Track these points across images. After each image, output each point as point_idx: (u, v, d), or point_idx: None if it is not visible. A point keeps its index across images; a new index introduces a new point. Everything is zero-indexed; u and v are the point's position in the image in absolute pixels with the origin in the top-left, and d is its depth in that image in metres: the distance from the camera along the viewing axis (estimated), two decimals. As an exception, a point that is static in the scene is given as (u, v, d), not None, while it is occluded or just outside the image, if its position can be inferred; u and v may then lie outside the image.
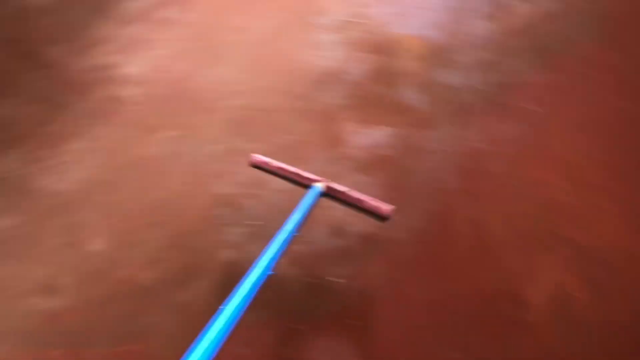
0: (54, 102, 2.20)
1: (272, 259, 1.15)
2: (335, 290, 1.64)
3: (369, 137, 1.99)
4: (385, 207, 1.74)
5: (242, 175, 1.89)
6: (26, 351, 1.55)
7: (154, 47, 2.40)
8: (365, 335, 1.63)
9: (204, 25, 2.50)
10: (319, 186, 1.67)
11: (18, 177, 1.94)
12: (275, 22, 2.47)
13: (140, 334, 1.63)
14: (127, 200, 1.84)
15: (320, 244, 1.78)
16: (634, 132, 1.95)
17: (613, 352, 1.47)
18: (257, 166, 1.85)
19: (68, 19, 2.65)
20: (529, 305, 1.56)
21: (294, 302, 1.60)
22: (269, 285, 1.47)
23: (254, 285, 1.00)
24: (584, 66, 2.20)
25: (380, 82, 2.16)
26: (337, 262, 1.77)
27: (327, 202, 1.76)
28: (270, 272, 1.08)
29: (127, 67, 2.31)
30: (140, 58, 2.35)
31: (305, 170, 1.84)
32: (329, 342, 1.62)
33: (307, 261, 1.77)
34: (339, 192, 1.74)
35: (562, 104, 2.07)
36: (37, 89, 2.27)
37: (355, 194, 1.74)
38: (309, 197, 1.57)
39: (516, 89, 2.10)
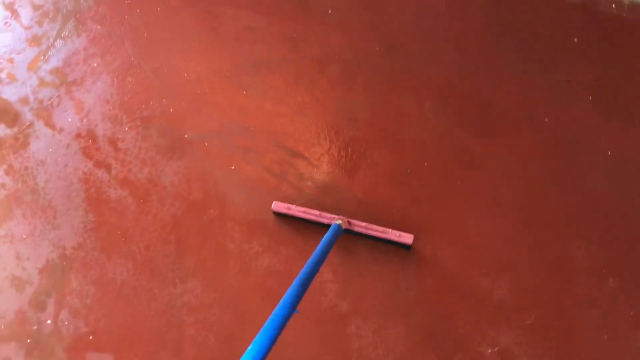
0: None
1: (298, 295, 1.08)
2: (54, 332, 1.80)
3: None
4: (406, 236, 1.71)
5: None
6: None
7: None
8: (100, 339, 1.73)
9: None
10: (339, 223, 1.62)
11: None
12: None
13: None
14: None
15: (15, 306, 1.83)
16: (190, 19, 2.15)
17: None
18: (280, 213, 1.79)
19: None
20: (208, 202, 1.98)
21: None
22: None
23: (282, 322, 0.95)
24: (114, 4, 2.29)
25: None
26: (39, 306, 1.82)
27: None
28: (295, 311, 1.02)
29: None
30: None
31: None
32: None
33: (13, 330, 1.85)
34: (360, 225, 1.71)
35: (116, 43, 2.28)
36: None
37: (376, 227, 1.70)
38: (330, 233, 1.51)
39: (74, 59, 2.14)
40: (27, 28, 2.24)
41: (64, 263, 1.78)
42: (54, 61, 2.14)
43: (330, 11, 2.06)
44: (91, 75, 2.10)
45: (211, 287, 1.73)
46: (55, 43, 2.17)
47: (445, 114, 1.90)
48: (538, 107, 1.88)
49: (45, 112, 2.05)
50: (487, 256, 1.66)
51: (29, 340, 1.70)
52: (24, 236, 1.84)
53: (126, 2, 2.18)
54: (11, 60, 2.18)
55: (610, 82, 1.83)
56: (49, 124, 2.03)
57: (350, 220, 1.63)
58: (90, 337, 1.68)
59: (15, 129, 2.04)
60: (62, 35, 2.18)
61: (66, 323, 1.71)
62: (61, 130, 2.01)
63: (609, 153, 1.71)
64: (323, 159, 1.83)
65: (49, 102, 2.06)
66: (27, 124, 2.04)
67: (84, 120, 2.01)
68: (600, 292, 1.56)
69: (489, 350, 1.53)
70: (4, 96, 2.09)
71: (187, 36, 2.10)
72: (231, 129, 1.93)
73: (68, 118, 2.03)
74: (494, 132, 1.87)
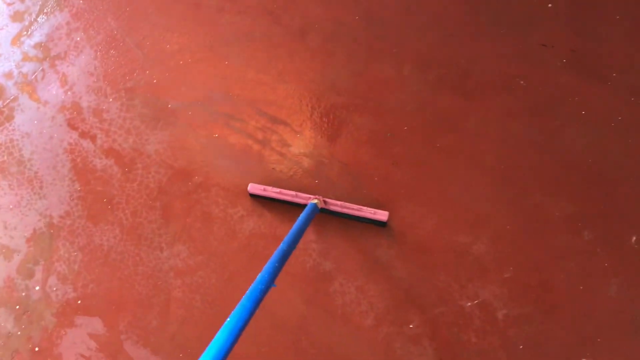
0: None
1: (275, 271, 1.11)
2: (43, 298, 1.85)
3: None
4: (381, 213, 1.71)
5: None
6: None
7: None
8: (86, 300, 1.83)
9: None
10: (315, 202, 1.64)
11: None
12: None
13: None
14: None
15: (4, 273, 1.93)
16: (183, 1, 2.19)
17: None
18: (256, 194, 1.79)
19: None
20: (192, 170, 2.04)
21: None
22: None
23: (259, 296, 0.98)
24: None
25: None
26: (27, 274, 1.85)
27: None
28: (272, 285, 1.06)
29: None
30: None
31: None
32: (71, 333, 1.73)
33: (1, 297, 1.90)
34: (335, 204, 1.71)
35: (99, 18, 2.29)
36: None
37: (351, 205, 1.71)
38: (306, 212, 1.53)
39: (57, 34, 2.16)
40: (9, 4, 2.26)
41: (52, 231, 1.80)
42: (37, 36, 2.16)
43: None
44: (74, 49, 2.12)
45: (197, 251, 1.79)
46: (38, 18, 2.20)
47: (424, 80, 1.97)
48: (514, 71, 1.94)
49: (29, 86, 2.07)
50: (466, 213, 1.72)
51: (17, 307, 1.72)
52: (11, 206, 1.87)
53: None
54: None
55: (583, 44, 1.90)
56: (33, 97, 2.04)
57: (326, 199, 1.64)
58: (79, 301, 1.70)
59: (0, 103, 2.03)
60: (45, 10, 2.20)
61: (55, 289, 1.74)
62: (46, 103, 2.03)
63: (583, 112, 1.75)
64: (305, 125, 1.86)
65: (33, 76, 2.08)
66: (12, 97, 2.06)
67: (69, 93, 2.03)
68: (576, 245, 1.60)
69: (469, 304, 1.58)
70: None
71: (170, 9, 2.14)
72: (214, 97, 1.97)
73: (52, 91, 2.05)
74: (472, 96, 1.93)
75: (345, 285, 1.65)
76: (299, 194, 1.75)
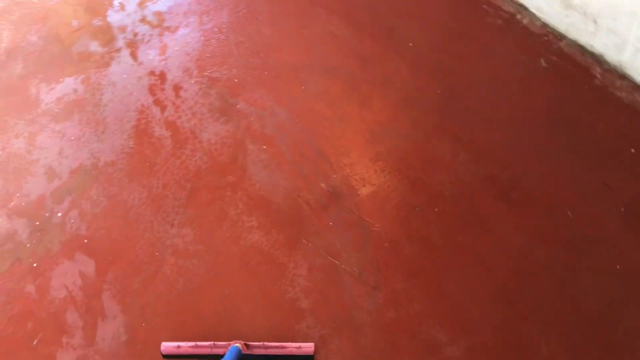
0: None
1: None
2: (60, 223, 2.02)
3: (58, 90, 2.23)
4: (307, 346, 1.65)
5: None
6: None
7: None
8: (95, 246, 1.95)
9: None
10: (238, 346, 1.51)
11: None
12: None
13: None
14: None
15: (40, 190, 2.10)
16: (280, 8, 2.41)
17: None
18: (170, 355, 1.61)
19: None
20: (230, 169, 2.13)
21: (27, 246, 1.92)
22: (1, 241, 1.61)
23: None
24: None
25: (56, 42, 2.51)
26: (58, 198, 2.08)
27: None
28: None
29: None
30: None
31: None
32: (64, 265, 1.92)
33: (30, 208, 2.06)
34: (257, 346, 1.62)
35: (216, 8, 2.60)
36: None
37: (274, 344, 1.57)
38: (231, 356, 1.44)
39: (178, 9, 2.42)
40: None
41: (93, 172, 1.99)
42: (160, 6, 2.43)
43: (411, 44, 2.19)
44: (185, 27, 2.36)
45: (200, 240, 1.91)
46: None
47: (474, 172, 1.99)
48: (565, 198, 1.90)
49: (134, 44, 2.33)
50: (454, 313, 1.76)
51: (37, 223, 1.90)
52: (73, 138, 2.09)
53: None
54: None
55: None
56: (133, 54, 2.30)
57: (247, 343, 1.53)
58: (86, 241, 1.86)
59: (106, 49, 2.32)
60: None
61: (72, 221, 1.91)
62: (140, 64, 2.26)
63: (618, 267, 1.72)
64: (343, 171, 1.92)
65: (141, 37, 2.34)
66: (116, 48, 2.32)
67: (162, 62, 2.26)
68: None
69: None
70: (109, 20, 2.38)
71: (278, 23, 2.34)
72: (278, 113, 2.17)
73: (150, 56, 2.28)
74: (512, 205, 1.91)
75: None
76: (217, 343, 1.57)
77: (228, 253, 1.82)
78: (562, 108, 2.06)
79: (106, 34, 2.34)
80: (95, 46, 2.32)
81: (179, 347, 1.61)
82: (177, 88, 2.13)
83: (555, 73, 2.20)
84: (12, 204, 1.91)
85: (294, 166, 1.99)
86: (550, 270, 1.72)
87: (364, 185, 1.93)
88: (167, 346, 1.58)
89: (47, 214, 1.91)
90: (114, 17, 2.39)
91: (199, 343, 1.63)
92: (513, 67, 2.24)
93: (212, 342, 1.62)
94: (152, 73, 2.16)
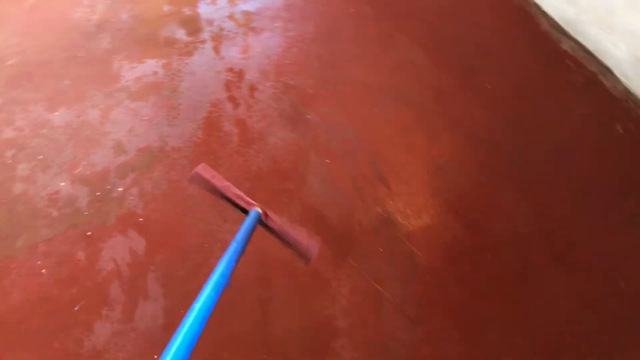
0: None
1: (227, 272, 1.08)
2: (118, 197, 2.04)
3: (140, 70, 2.30)
4: (313, 247, 1.48)
5: (24, 120, 2.15)
6: None
7: None
8: (149, 226, 1.98)
9: None
10: (258, 210, 1.45)
11: None
12: None
13: None
14: None
15: (105, 162, 2.12)
16: (365, 28, 2.43)
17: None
18: (200, 180, 1.54)
19: None
20: (294, 177, 2.13)
21: (85, 214, 1.96)
22: (62, 204, 1.91)
23: (214, 298, 0.94)
24: None
25: (146, 25, 2.59)
26: (121, 174, 2.10)
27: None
28: (228, 284, 1.04)
29: None
30: None
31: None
32: (116, 239, 1.96)
33: (95, 178, 2.09)
34: (274, 221, 1.49)
35: (300, 16, 2.60)
36: None
37: (289, 229, 1.50)
38: (250, 221, 1.38)
39: (263, 13, 2.49)
40: None
41: (159, 154, 2.05)
42: (250, 6, 2.51)
43: (488, 86, 2.19)
44: (270, 31, 2.42)
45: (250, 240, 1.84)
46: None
47: (534, 226, 1.98)
48: (621, 269, 1.86)
49: (219, 39, 2.40)
50: None
51: (98, 194, 1.97)
52: (145, 118, 2.16)
53: None
54: None
55: None
56: (216, 48, 2.36)
57: (266, 211, 1.44)
58: (140, 219, 1.92)
59: (191, 39, 2.39)
60: None
61: (131, 198, 1.97)
62: (222, 58, 2.33)
63: None
64: (401, 199, 1.93)
65: (226, 33, 2.42)
66: (201, 39, 2.39)
67: (242, 61, 2.33)
68: None
69: None
70: (199, 11, 2.46)
71: (360, 43, 2.37)
72: (345, 130, 2.19)
73: (232, 52, 2.34)
74: (566, 266, 1.89)
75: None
76: (243, 196, 1.49)
77: (275, 257, 1.84)
78: (634, 177, 2.01)
79: (194, 24, 2.41)
80: (181, 34, 2.39)
81: (214, 176, 1.51)
82: (252, 88, 2.17)
83: (631, 140, 2.17)
84: (77, 170, 1.97)
85: (353, 185, 2.01)
86: (596, 342, 1.70)
87: (419, 218, 1.93)
88: (202, 172, 1.49)
89: (108, 187, 1.96)
90: (204, 9, 2.47)
91: (230, 185, 1.51)
92: (588, 127, 2.22)
93: (239, 193, 1.50)
94: (230, 70, 2.21)
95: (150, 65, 2.24)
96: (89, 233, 1.83)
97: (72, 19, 2.46)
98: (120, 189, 1.95)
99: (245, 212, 1.40)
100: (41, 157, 2.01)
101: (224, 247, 1.84)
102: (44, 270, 1.81)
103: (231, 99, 2.11)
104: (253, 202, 1.47)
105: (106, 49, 2.33)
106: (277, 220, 1.41)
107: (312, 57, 2.23)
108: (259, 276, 1.82)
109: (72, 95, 2.19)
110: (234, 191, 1.47)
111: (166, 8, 2.44)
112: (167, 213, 1.91)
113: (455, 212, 1.91)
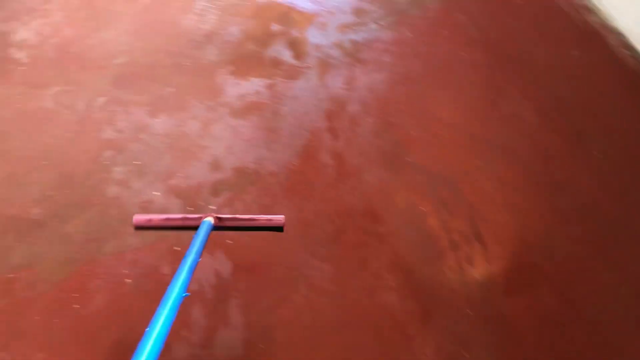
0: None
1: (186, 283, 1.16)
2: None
3: (243, 87, 2.30)
4: (277, 218, 1.67)
5: (125, 122, 2.14)
6: None
7: (43, 15, 2.64)
8: (237, 250, 1.94)
9: None
10: (210, 220, 1.55)
11: None
12: None
13: (30, 262, 1.84)
14: (16, 147, 2.12)
15: (200, 177, 2.10)
16: (474, 76, 2.36)
17: (457, 257, 1.97)
18: (142, 226, 1.63)
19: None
20: (383, 219, 2.04)
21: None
22: (154, 213, 1.86)
23: (174, 307, 1.02)
24: (430, 23, 2.60)
25: (254, 41, 2.57)
26: (215, 191, 2.07)
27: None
28: (185, 294, 1.12)
29: (17, 33, 2.52)
30: (30, 25, 2.57)
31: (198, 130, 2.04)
32: (203, 259, 1.91)
33: (189, 191, 2.07)
34: (229, 219, 1.63)
35: (412, 55, 2.47)
36: None
37: (245, 216, 1.66)
38: (202, 233, 1.46)
39: (372, 44, 2.47)
40: (363, 0, 2.56)
41: (254, 176, 2.04)
42: (359, 36, 2.48)
43: (597, 154, 2.08)
44: (376, 64, 2.37)
45: (336, 281, 1.91)
46: (371, 24, 2.47)
47: (632, 309, 1.88)
48: None
49: (324, 66, 2.38)
50: None
51: (190, 208, 1.96)
52: (244, 137, 2.15)
53: (443, 33, 2.42)
54: (332, 13, 2.68)
55: None
56: (321, 75, 2.35)
57: (219, 215, 1.51)
58: (229, 241, 1.91)
59: (297, 62, 2.37)
60: (380, 22, 2.48)
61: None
62: (325, 86, 2.30)
63: None
64: (498, 262, 1.84)
65: (333, 61, 2.36)
66: (307, 65, 2.35)
67: (346, 92, 2.29)
68: None
69: None
70: (308, 34, 2.43)
71: (468, 90, 2.30)
72: (445, 177, 2.14)
73: (336, 81, 2.32)
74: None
75: None
76: (187, 215, 1.59)
77: (359, 305, 1.81)
78: None
79: (301, 47, 2.39)
80: (287, 56, 2.36)
81: (150, 220, 1.57)
82: (353, 121, 2.13)
83: None
84: (172, 181, 1.97)
85: (447, 239, 1.97)
86: None
87: (516, 286, 1.88)
88: (139, 218, 1.55)
89: (201, 203, 1.95)
90: (313, 34, 2.44)
91: (170, 216, 1.61)
92: None
93: (183, 215, 1.59)
94: (333, 99, 2.17)
95: (254, 84, 2.21)
96: (176, 248, 1.80)
97: (181, 25, 2.46)
98: (212, 207, 1.93)
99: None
100: (138, 162, 2.00)
101: (308, 284, 1.84)
102: (129, 280, 1.81)
103: (331, 129, 2.06)
104: (201, 215, 1.52)
105: (212, 61, 2.32)
106: (231, 216, 1.53)
107: (416, 98, 2.19)
108: (340, 322, 1.81)
109: (174, 103, 2.18)
110: (176, 217, 1.55)
111: (275, 27, 2.42)
112: (255, 239, 1.90)
113: (551, 283, 1.87)
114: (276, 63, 2.38)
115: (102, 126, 2.14)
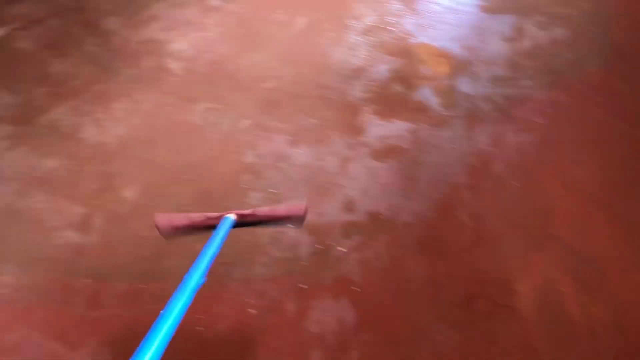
0: (106, 66, 2.49)
1: (206, 272, 1.20)
2: (338, 258, 1.93)
3: (386, 128, 2.24)
4: (298, 206, 1.62)
5: (266, 148, 2.21)
6: (55, 278, 1.87)
7: (200, 29, 2.72)
8: (363, 299, 1.86)
9: (247, 15, 2.84)
10: (231, 216, 1.50)
11: (67, 126, 2.21)
12: (312, 19, 2.79)
13: (160, 275, 1.88)
14: (160, 157, 2.19)
15: (333, 216, 2.04)
16: (630, 151, 2.18)
17: (594, 348, 1.77)
18: (165, 228, 1.58)
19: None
20: (518, 293, 1.88)
21: (303, 264, 1.87)
22: (284, 246, 1.87)
23: (191, 294, 1.04)
24: (588, 89, 2.43)
25: (402, 82, 2.50)
26: (346, 233, 2.00)
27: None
28: (203, 281, 1.15)
29: (174, 43, 2.63)
30: (187, 37, 2.68)
31: (322, 147, 2.03)
32: (328, 302, 1.85)
33: (320, 229, 2.01)
34: (249, 215, 1.59)
35: (565, 120, 2.31)
36: (93, 52, 2.59)
37: (265, 209, 1.61)
38: (222, 229, 1.42)
39: (525, 103, 2.36)
40: (518, 54, 2.67)
41: (387, 224, 2.06)
42: (513, 91, 2.43)
43: None
44: (526, 124, 2.32)
45: (461, 353, 1.81)
46: (525, 80, 2.40)
47: None
48: None
49: (472, 118, 2.32)
50: None
51: (320, 247, 1.99)
52: (381, 181, 2.15)
53: (600, 101, 2.55)
54: (485, 64, 2.68)
55: None
56: (467, 127, 2.28)
57: (238, 212, 1.48)
58: (356, 289, 1.91)
59: (444, 111, 2.28)
60: (535, 80, 2.41)
61: (351, 263, 1.99)
62: (471, 139, 2.22)
63: None
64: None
65: (482, 114, 2.26)
66: (454, 114, 2.26)
67: (492, 149, 2.21)
68: None
69: None
70: (459, 83, 2.39)
71: (620, 166, 2.28)
72: (590, 257, 2.01)
73: (483, 136, 2.26)
74: None
75: None
76: (209, 214, 1.53)
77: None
78: None
79: (450, 96, 2.31)
80: (434, 102, 2.29)
81: (171, 219, 1.54)
82: (497, 182, 2.03)
83: None
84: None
85: (586, 326, 1.83)
86: None
87: None
88: (161, 219, 1.52)
89: (331, 243, 1.91)
90: (464, 83, 2.36)
91: (191, 214, 1.56)
92: None
93: (204, 214, 1.54)
94: (478, 155, 2.08)
95: (398, 127, 2.15)
96: (303, 285, 1.79)
97: (332, 57, 2.47)
98: (342, 249, 1.88)
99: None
100: (274, 190, 2.00)
101: (432, 348, 1.75)
102: (253, 311, 1.80)
103: (472, 187, 1.95)
104: (222, 213, 1.49)
105: (357, 97, 2.29)
106: (251, 212, 1.50)
107: (565, 167, 2.17)
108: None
109: (315, 135, 2.16)
110: (198, 216, 1.52)
111: (424, 70, 2.36)
112: (383, 291, 1.86)
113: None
114: (422, 108, 2.31)
115: (244, 149, 2.15)
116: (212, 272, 1.67)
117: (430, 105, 2.33)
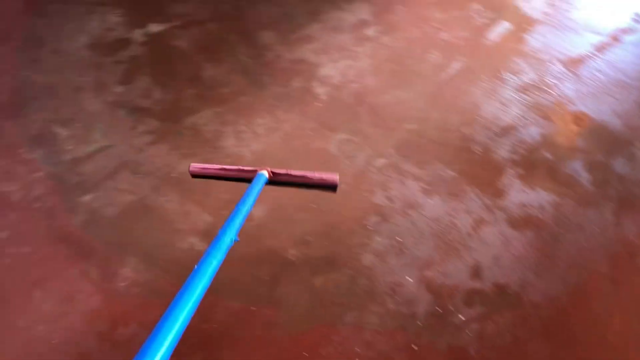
0: (256, 79, 2.53)
1: (238, 230, 1.26)
2: (456, 325, 1.86)
3: (528, 196, 2.10)
4: (331, 177, 1.83)
5: (398, 192, 2.14)
6: (173, 281, 1.93)
7: (351, 57, 2.71)
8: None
9: (400, 50, 2.77)
10: (265, 173, 1.69)
11: (209, 131, 2.28)
12: (468, 66, 2.68)
13: (274, 300, 1.88)
14: None
15: (458, 279, 1.96)
16: None
17: None
18: (198, 175, 1.87)
19: (286, 11, 2.98)
20: None
21: (418, 323, 1.83)
22: (401, 299, 1.81)
23: (223, 249, 1.12)
24: None
25: (552, 150, 2.33)
26: (469, 301, 1.91)
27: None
28: (235, 239, 1.20)
29: (323, 68, 2.63)
30: (337, 63, 2.67)
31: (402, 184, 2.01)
32: None
33: (442, 290, 1.95)
34: (283, 174, 1.78)
35: None
36: (245, 63, 2.65)
37: (299, 172, 1.80)
38: (256, 184, 1.56)
39: None
40: None
41: (513, 300, 1.99)
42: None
43: None
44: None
45: None
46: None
47: None
48: None
49: (623, 203, 2.30)
50: None
51: (438, 309, 1.93)
52: (514, 252, 2.07)
53: None
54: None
55: None
56: (617, 212, 2.23)
57: (273, 170, 1.62)
58: (415, 347, 1.66)
59: (594, 188, 2.22)
60: None
61: (469, 334, 1.92)
62: (619, 225, 2.20)
63: None
64: None
65: (635, 200, 2.15)
66: (604, 194, 2.20)
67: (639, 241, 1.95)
68: None
69: None
70: (613, 163, 2.41)
71: None
72: None
73: (633, 225, 2.10)
74: None
75: None
76: (243, 167, 1.71)
77: None
78: None
79: (602, 174, 2.22)
80: (585, 178, 2.13)
81: (205, 168, 1.78)
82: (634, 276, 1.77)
83: None
84: (428, 272, 1.90)
85: None
86: None
87: None
88: (195, 166, 1.78)
89: (451, 308, 1.83)
90: (619, 162, 2.24)
91: (226, 166, 1.75)
92: None
93: (238, 167, 1.71)
94: (625, 244, 2.02)
95: (540, 197, 1.99)
96: (414, 346, 1.68)
97: (481, 109, 2.38)
98: (461, 317, 1.77)
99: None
100: (400, 239, 1.91)
101: None
102: (358, 361, 1.62)
103: (613, 279, 1.79)
104: (255, 168, 1.65)
105: (502, 157, 2.16)
106: (285, 171, 1.67)
107: None
108: None
109: (451, 188, 2.06)
110: (232, 168, 1.73)
111: (580, 143, 2.18)
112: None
113: None
114: (570, 182, 2.14)
115: (375, 188, 2.10)
116: (327, 310, 1.63)
117: (580, 180, 2.16)
